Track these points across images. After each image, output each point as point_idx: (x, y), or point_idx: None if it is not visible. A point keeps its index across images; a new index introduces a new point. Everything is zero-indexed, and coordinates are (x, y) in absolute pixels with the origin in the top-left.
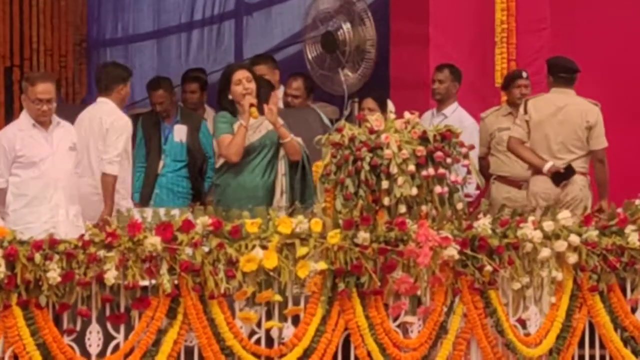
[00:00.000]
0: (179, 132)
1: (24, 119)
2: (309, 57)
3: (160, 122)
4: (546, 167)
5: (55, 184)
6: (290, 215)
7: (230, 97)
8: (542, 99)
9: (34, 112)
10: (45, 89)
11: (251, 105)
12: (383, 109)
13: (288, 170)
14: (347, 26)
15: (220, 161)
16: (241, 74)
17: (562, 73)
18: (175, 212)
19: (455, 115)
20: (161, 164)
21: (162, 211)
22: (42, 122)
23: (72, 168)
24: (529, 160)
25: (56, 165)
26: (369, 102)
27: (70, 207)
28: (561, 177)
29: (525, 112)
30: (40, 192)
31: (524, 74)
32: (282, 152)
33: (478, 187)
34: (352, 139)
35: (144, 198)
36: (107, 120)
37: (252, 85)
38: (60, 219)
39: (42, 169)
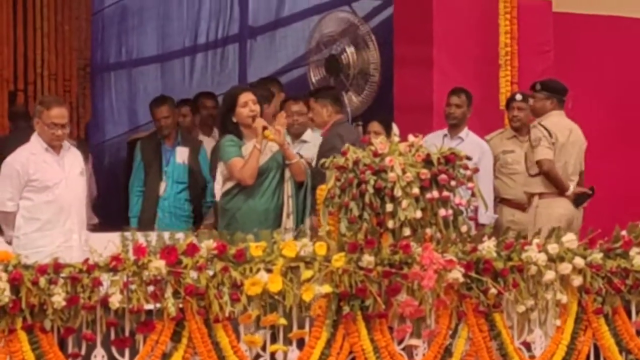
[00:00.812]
0: (182, 154)
1: (35, 143)
2: (313, 80)
3: (161, 145)
4: (571, 189)
5: (68, 209)
6: (297, 237)
7: (234, 119)
8: (556, 122)
9: (48, 137)
10: (60, 113)
11: (264, 127)
12: (389, 132)
13: (294, 191)
14: (350, 49)
15: (227, 185)
16: (247, 97)
17: (562, 96)
18: (180, 235)
19: (471, 139)
20: (162, 185)
21: (166, 235)
22: (55, 146)
23: (82, 192)
24: (560, 182)
25: (69, 189)
26: (375, 126)
27: (82, 232)
28: (586, 198)
29: (550, 135)
30: (53, 216)
31: (518, 97)
32: (287, 174)
33: (495, 212)
34: (356, 162)
35: (142, 223)
36: None
37: (258, 108)
38: (73, 244)
39: (55, 193)
